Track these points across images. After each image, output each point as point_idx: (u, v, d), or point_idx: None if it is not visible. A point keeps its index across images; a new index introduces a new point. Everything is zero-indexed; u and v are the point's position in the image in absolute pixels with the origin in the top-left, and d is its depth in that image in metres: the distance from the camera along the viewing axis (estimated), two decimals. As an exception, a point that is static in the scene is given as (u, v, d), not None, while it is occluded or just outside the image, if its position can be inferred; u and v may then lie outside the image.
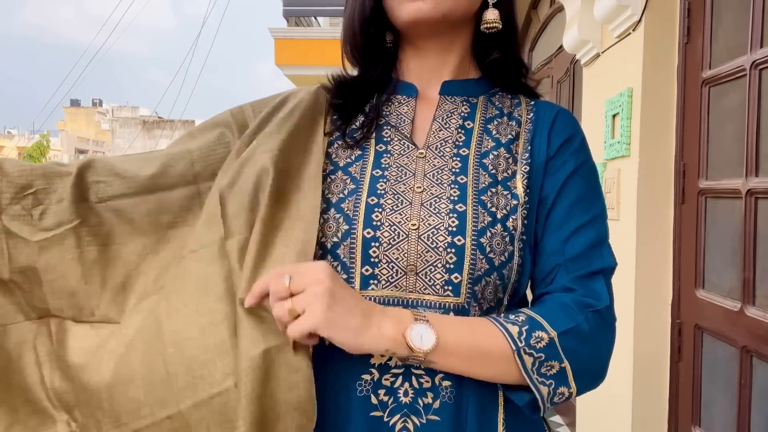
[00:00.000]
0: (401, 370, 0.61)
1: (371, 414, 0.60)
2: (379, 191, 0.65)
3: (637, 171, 1.76)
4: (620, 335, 1.99)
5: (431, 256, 0.61)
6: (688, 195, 1.68)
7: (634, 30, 1.78)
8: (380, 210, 0.63)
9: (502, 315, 0.62)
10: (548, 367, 0.59)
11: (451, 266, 0.61)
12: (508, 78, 0.75)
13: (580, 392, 0.61)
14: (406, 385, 0.61)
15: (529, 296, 0.70)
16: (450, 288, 0.61)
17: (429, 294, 0.61)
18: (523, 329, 0.59)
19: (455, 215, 0.62)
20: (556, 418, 3.13)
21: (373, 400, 0.61)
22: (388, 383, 0.61)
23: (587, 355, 0.61)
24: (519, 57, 0.76)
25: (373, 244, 0.62)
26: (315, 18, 8.39)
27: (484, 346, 0.58)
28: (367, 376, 0.61)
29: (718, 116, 1.55)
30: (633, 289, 1.79)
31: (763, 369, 1.36)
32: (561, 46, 2.81)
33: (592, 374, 0.63)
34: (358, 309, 0.55)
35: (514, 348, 0.58)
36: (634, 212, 1.78)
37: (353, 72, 0.75)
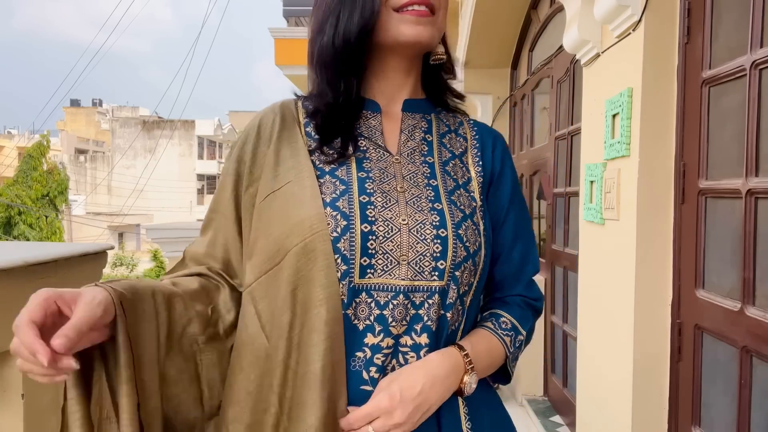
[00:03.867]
0: (391, 350, 0.70)
1: (361, 387, 0.69)
2: (368, 190, 0.73)
3: (637, 171, 1.76)
4: (620, 335, 1.99)
5: (421, 247, 0.71)
6: (688, 195, 1.68)
7: (634, 30, 1.78)
8: (372, 207, 0.71)
9: (497, 324, 0.80)
10: (516, 355, 0.82)
11: (437, 255, 0.71)
12: (445, 100, 0.88)
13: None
14: (394, 362, 0.70)
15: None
16: (436, 273, 0.71)
17: (419, 280, 0.70)
18: (511, 337, 0.80)
19: (435, 212, 0.73)
20: (556, 418, 3.13)
21: (365, 375, 0.69)
22: (379, 362, 0.69)
23: (531, 337, 0.85)
24: (451, 84, 0.89)
25: (370, 237, 0.69)
26: (315, 18, 8.39)
27: (496, 361, 0.79)
28: (360, 354, 0.69)
29: (718, 116, 1.55)
30: (633, 289, 1.79)
31: (763, 369, 1.36)
32: (561, 46, 2.81)
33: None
34: (432, 399, 0.68)
35: (508, 354, 0.80)
36: (634, 212, 1.78)
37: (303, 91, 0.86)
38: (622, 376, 1.87)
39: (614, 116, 1.92)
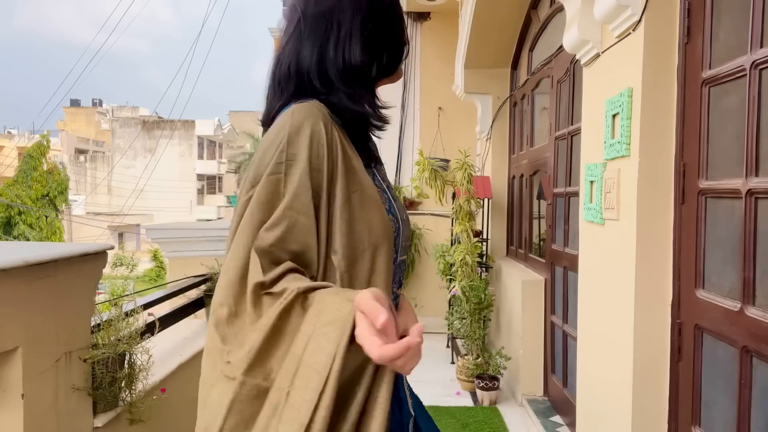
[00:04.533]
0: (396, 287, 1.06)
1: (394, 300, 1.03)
2: (388, 197, 1.01)
3: (637, 171, 1.76)
4: (620, 335, 1.98)
5: (410, 235, 1.03)
6: (688, 195, 1.68)
7: (634, 30, 1.78)
8: (395, 210, 1.01)
9: None
10: None
11: (410, 239, 1.08)
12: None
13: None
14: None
15: None
16: (407, 251, 1.06)
17: (403, 255, 1.04)
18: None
19: (404, 210, 1.05)
20: (556, 418, 3.13)
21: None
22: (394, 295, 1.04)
23: None
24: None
25: (401, 234, 1.01)
26: (315, 18, 8.38)
27: None
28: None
29: (718, 116, 1.55)
30: (633, 289, 1.79)
31: (763, 369, 1.36)
32: (561, 46, 2.81)
33: None
34: None
35: None
36: (634, 212, 1.78)
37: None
38: (622, 376, 1.87)
39: (614, 116, 1.92)
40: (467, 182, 3.87)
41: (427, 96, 5.53)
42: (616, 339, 1.94)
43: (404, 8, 5.47)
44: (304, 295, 0.76)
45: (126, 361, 1.46)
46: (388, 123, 1.00)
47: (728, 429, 1.50)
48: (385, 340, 0.65)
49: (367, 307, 0.67)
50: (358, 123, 0.95)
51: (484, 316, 3.81)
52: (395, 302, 1.01)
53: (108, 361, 1.39)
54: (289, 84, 0.96)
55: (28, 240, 21.26)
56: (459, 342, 4.32)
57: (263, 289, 0.78)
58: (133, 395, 1.49)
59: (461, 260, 3.83)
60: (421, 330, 0.69)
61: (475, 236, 3.95)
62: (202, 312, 2.35)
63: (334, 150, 0.89)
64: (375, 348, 0.64)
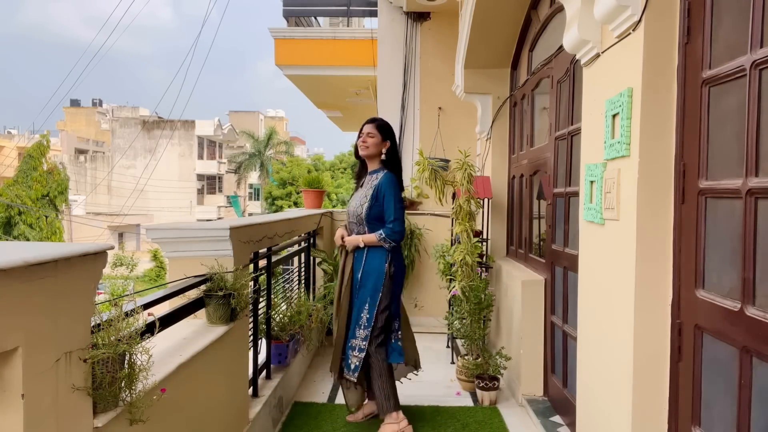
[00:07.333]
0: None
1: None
2: (350, 202, 3.23)
3: (637, 171, 1.76)
4: (620, 335, 1.98)
5: (359, 216, 3.10)
6: (688, 195, 1.68)
7: (634, 30, 1.78)
8: (349, 206, 3.24)
9: (378, 232, 3.04)
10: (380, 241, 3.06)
11: (362, 219, 3.09)
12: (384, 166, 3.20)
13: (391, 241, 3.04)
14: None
15: None
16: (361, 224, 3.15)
17: (352, 220, 3.17)
18: (380, 235, 3.02)
19: (363, 205, 3.08)
20: (556, 418, 3.13)
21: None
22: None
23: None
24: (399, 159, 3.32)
25: (349, 210, 3.22)
26: (315, 18, 8.38)
27: (373, 240, 3.05)
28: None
29: (718, 116, 1.55)
30: (633, 289, 1.79)
31: (763, 369, 1.36)
32: (561, 46, 2.81)
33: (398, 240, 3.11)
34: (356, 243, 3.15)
35: (380, 240, 3.03)
36: (634, 212, 1.78)
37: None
38: (622, 377, 1.87)
39: (614, 116, 1.92)
40: (467, 182, 3.87)
41: (427, 96, 5.54)
42: (616, 339, 1.94)
43: (404, 8, 5.48)
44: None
45: (126, 361, 1.46)
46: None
47: (728, 429, 1.50)
48: (337, 238, 3.19)
49: (339, 230, 3.20)
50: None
51: (484, 317, 3.82)
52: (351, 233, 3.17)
53: (108, 361, 1.39)
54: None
55: (28, 240, 21.25)
56: (459, 342, 4.32)
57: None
58: (133, 395, 1.49)
59: (461, 260, 3.83)
60: (339, 234, 3.19)
61: (475, 236, 3.95)
62: (202, 312, 2.35)
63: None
64: (337, 238, 3.18)
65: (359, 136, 3.12)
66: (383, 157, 3.11)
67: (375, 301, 2.99)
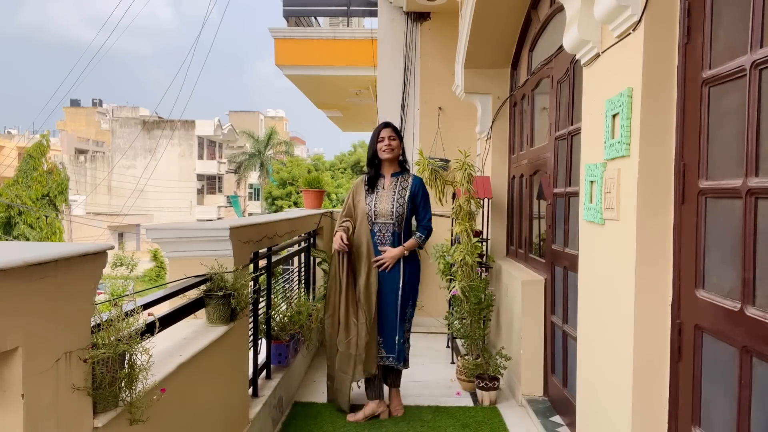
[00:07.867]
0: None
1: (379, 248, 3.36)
2: (375, 203, 3.35)
3: (637, 171, 1.76)
4: (620, 335, 1.97)
5: (399, 216, 3.33)
6: (688, 195, 1.68)
7: (634, 30, 1.78)
8: (375, 207, 3.35)
9: (416, 234, 3.38)
10: (421, 244, 3.39)
11: (402, 218, 3.34)
12: (407, 169, 3.48)
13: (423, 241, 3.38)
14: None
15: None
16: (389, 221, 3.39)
17: (378, 220, 3.36)
18: (418, 237, 3.35)
19: (403, 206, 3.33)
20: (556, 418, 3.13)
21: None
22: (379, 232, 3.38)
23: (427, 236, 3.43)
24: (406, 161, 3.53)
25: (374, 212, 3.36)
26: (315, 18, 8.38)
27: (414, 245, 3.36)
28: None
29: (718, 116, 1.55)
30: (633, 289, 1.79)
31: (763, 369, 1.36)
32: (561, 46, 2.81)
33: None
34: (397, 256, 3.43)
35: (420, 243, 3.36)
36: (634, 212, 1.78)
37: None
38: (622, 376, 1.87)
39: (614, 116, 1.92)
40: (467, 182, 3.87)
41: (427, 96, 5.53)
42: (616, 339, 1.94)
43: (404, 8, 5.47)
44: (340, 225, 3.39)
45: (126, 361, 1.46)
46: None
47: (728, 429, 1.50)
48: (337, 241, 3.28)
49: (339, 234, 3.29)
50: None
51: (484, 317, 3.82)
52: (374, 240, 3.33)
53: (108, 361, 1.39)
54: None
55: (28, 240, 21.25)
56: (459, 342, 4.32)
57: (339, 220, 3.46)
58: (133, 395, 1.49)
59: (461, 260, 3.83)
60: (338, 237, 3.32)
61: (475, 236, 3.95)
62: (202, 312, 2.35)
63: (354, 191, 3.47)
64: (336, 242, 3.28)
65: (378, 142, 3.33)
66: (400, 158, 3.40)
67: (416, 295, 3.42)
